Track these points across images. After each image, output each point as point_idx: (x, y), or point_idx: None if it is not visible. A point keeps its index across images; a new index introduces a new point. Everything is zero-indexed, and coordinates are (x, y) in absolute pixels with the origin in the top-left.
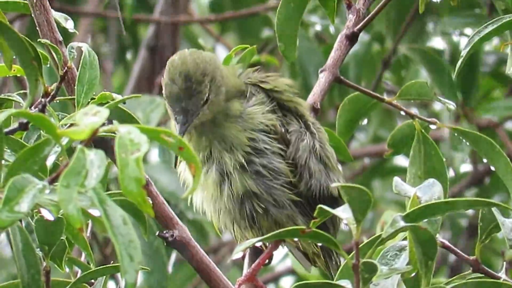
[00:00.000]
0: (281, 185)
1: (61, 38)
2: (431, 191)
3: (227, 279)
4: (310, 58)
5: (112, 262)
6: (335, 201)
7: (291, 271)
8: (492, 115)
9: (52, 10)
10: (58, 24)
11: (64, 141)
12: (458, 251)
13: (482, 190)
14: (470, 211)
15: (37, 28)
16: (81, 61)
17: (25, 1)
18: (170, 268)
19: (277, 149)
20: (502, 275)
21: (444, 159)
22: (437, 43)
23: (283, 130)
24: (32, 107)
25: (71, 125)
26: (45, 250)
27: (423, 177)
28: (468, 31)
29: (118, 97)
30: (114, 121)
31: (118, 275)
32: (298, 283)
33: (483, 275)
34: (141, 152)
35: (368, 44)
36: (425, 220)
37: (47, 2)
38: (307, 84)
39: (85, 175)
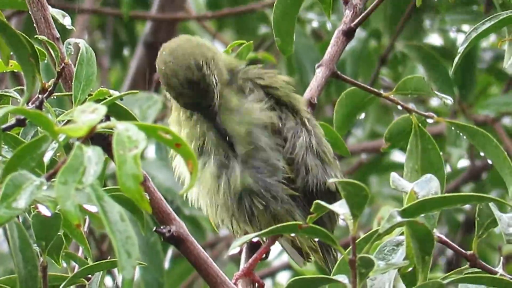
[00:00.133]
0: (279, 181)
1: (58, 35)
2: (428, 186)
3: (224, 274)
4: (307, 55)
5: (109, 257)
6: (333, 196)
7: (287, 266)
8: (489, 111)
9: (49, 7)
10: (55, 20)
11: (61, 137)
12: (455, 246)
13: (479, 185)
14: (467, 206)
15: (34, 25)
16: (78, 58)
17: None
18: (166, 264)
19: (275, 145)
20: (499, 270)
21: (441, 154)
22: (434, 39)
23: (280, 125)
24: (29, 104)
25: (68, 121)
26: (42, 245)
27: (420, 171)
28: (465, 27)
29: (115, 94)
30: (112, 118)
31: (115, 270)
32: (294, 278)
33: (480, 270)
34: (139, 149)
35: (365, 40)
36: (422, 215)
37: None
38: (303, 80)
39: (82, 171)
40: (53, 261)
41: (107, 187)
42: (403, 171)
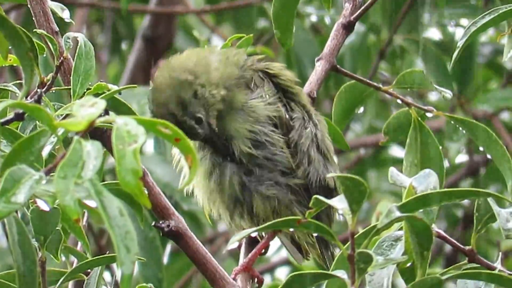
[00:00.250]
0: (279, 174)
1: (57, 29)
2: (426, 181)
3: (223, 269)
4: (306, 49)
5: (107, 252)
6: (330, 193)
7: (286, 262)
8: (488, 106)
9: (48, 1)
10: (54, 14)
11: (60, 131)
12: (454, 241)
13: (478, 180)
14: (465, 201)
15: (33, 19)
16: (76, 52)
17: None
18: (165, 259)
19: (277, 140)
20: (497, 265)
21: (440, 148)
22: (433, 33)
23: (287, 116)
24: (28, 98)
25: (67, 115)
26: (41, 240)
27: (419, 165)
28: (464, 21)
29: (114, 88)
30: (111, 112)
31: (114, 265)
32: (293, 274)
33: (478, 265)
34: (138, 143)
35: (364, 35)
36: (421, 210)
37: None
38: (302, 74)
39: (82, 166)
40: (52, 256)
41: (106, 182)
42: (401, 166)
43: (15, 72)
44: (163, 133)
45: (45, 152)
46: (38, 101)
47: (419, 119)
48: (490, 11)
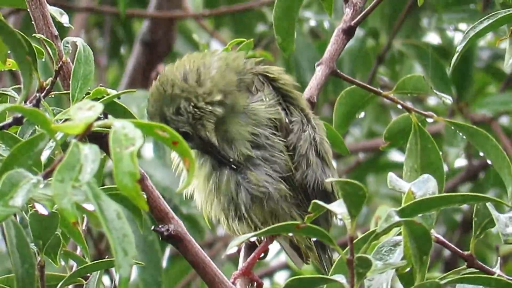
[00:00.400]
0: (277, 176)
1: (56, 33)
2: (425, 186)
3: (222, 273)
4: (305, 53)
5: (106, 257)
6: (328, 197)
7: (285, 266)
8: (487, 110)
9: (47, 5)
10: (53, 19)
11: (59, 135)
12: (453, 246)
13: (477, 185)
14: (464, 206)
15: (33, 22)
16: (76, 56)
17: None
18: (164, 263)
19: (279, 143)
20: (496, 270)
21: (440, 153)
22: (432, 38)
23: (287, 121)
24: (27, 102)
25: (66, 119)
26: (40, 244)
27: (419, 170)
28: (463, 26)
29: (113, 92)
30: (109, 116)
31: (113, 270)
32: (292, 278)
33: (477, 270)
34: (135, 146)
35: (362, 39)
36: (420, 215)
37: None
38: (301, 79)
39: (79, 169)
40: (51, 260)
41: (106, 186)
42: (400, 171)
43: (14, 77)
44: (161, 136)
45: (44, 156)
46: (37, 105)
47: (419, 124)
48: (489, 15)
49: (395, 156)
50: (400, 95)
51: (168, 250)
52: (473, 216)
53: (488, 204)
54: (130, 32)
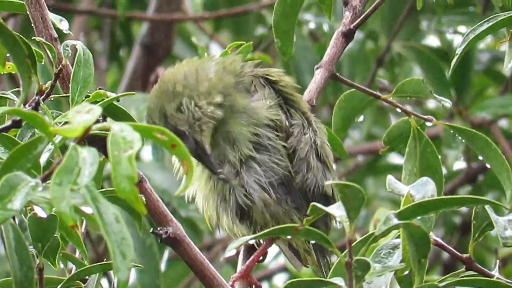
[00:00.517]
0: (278, 181)
1: (56, 35)
2: (424, 189)
3: (221, 276)
4: (304, 56)
5: (105, 260)
6: (328, 201)
7: (284, 269)
8: (486, 113)
9: (47, 8)
10: (52, 22)
11: (57, 139)
12: (452, 249)
13: (476, 187)
14: (463, 209)
15: (32, 25)
16: (75, 59)
17: (20, 1)
18: (163, 266)
19: (280, 146)
20: (495, 273)
21: (439, 157)
22: (431, 41)
23: (287, 124)
24: (26, 105)
25: (65, 123)
26: (38, 247)
27: (418, 174)
28: (462, 29)
29: (112, 95)
30: (108, 118)
31: (111, 272)
32: (291, 281)
33: (476, 273)
34: (133, 150)
35: (362, 42)
36: (419, 218)
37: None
38: (300, 82)
39: (77, 172)
40: (50, 263)
41: (105, 189)
42: (399, 173)
43: (13, 80)
44: (159, 139)
45: (42, 159)
46: (36, 108)
47: (419, 128)
48: (488, 18)
49: (394, 159)
50: (400, 98)
51: (166, 253)
52: (472, 218)
53: (487, 207)
54: (130, 35)
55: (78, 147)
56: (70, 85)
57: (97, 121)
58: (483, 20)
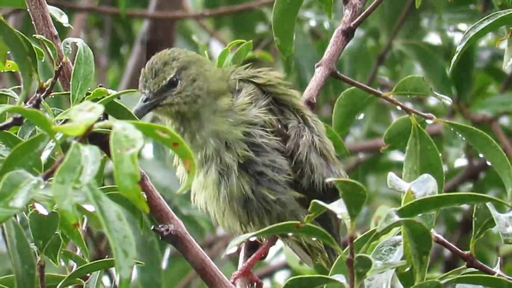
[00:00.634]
0: (283, 182)
1: (56, 33)
2: (425, 186)
3: (222, 273)
4: (305, 54)
5: (106, 257)
6: (338, 193)
7: (285, 266)
8: (487, 110)
9: (47, 5)
10: (53, 19)
11: (59, 136)
12: (453, 246)
13: (477, 185)
14: (465, 206)
15: (33, 23)
16: (76, 57)
17: None
18: (164, 264)
19: (276, 144)
20: (496, 270)
21: (440, 154)
22: (432, 38)
23: (280, 126)
24: (27, 102)
25: (66, 120)
26: (40, 245)
27: (419, 172)
28: (463, 26)
29: (113, 93)
30: (110, 116)
31: (112, 270)
32: (292, 278)
33: (477, 270)
34: (136, 148)
35: (363, 39)
36: (420, 215)
37: None
38: (301, 79)
39: (80, 171)
40: (51, 260)
41: (105, 186)
42: (401, 171)
43: (14, 78)
44: (161, 137)
45: (44, 157)
46: (37, 105)
47: (419, 126)
48: (488, 16)
49: (396, 156)
50: (401, 96)
51: (168, 251)
52: (473, 216)
53: (488, 204)
54: (130, 32)
55: (80, 145)
56: (70, 83)
57: (98, 119)
58: (483, 18)
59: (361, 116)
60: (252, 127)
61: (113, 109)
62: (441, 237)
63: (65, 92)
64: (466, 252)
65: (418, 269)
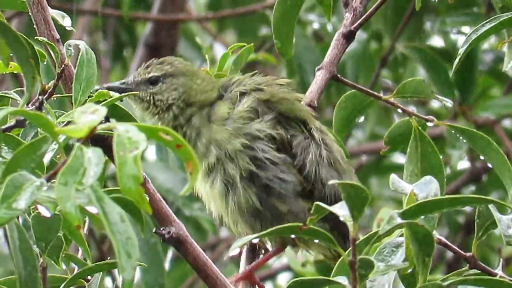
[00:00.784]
0: (293, 193)
1: (58, 36)
2: (428, 188)
3: (224, 275)
4: (308, 56)
5: (109, 258)
6: None
7: (287, 268)
8: (490, 113)
9: (49, 8)
10: (55, 22)
11: (62, 138)
12: (455, 247)
13: (480, 187)
14: (467, 208)
15: (35, 26)
16: (78, 59)
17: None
18: (167, 265)
19: (281, 159)
20: (498, 271)
21: (441, 157)
22: (435, 41)
23: (285, 142)
24: (30, 105)
25: (69, 122)
26: (42, 246)
27: (420, 174)
28: (466, 29)
29: (115, 95)
30: (112, 119)
31: (115, 271)
32: (294, 280)
33: (480, 271)
34: (139, 150)
35: (366, 42)
36: (422, 217)
37: (44, 1)
38: (304, 82)
39: (83, 173)
40: (53, 262)
41: (108, 188)
42: (403, 173)
43: (17, 80)
44: (164, 139)
45: (46, 159)
46: (39, 108)
47: (420, 128)
48: (491, 19)
49: (398, 158)
50: (403, 99)
51: (170, 252)
52: (475, 218)
53: (491, 206)
54: (134, 35)
55: (83, 148)
56: (72, 85)
57: (101, 122)
58: (485, 21)
59: (362, 118)
60: (254, 141)
61: (115, 113)
62: (443, 239)
63: (67, 95)
64: (468, 254)
65: (421, 271)
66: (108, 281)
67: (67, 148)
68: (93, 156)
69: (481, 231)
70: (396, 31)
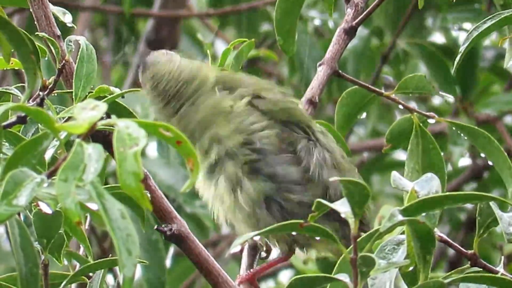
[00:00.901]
0: (301, 180)
1: (59, 32)
2: (429, 185)
3: (226, 273)
4: (309, 53)
5: (110, 255)
6: None
7: (289, 265)
8: (491, 109)
9: (50, 4)
10: (56, 18)
11: (63, 135)
12: (456, 245)
13: (481, 184)
14: (469, 206)
15: (35, 23)
16: (78, 55)
17: None
18: (168, 262)
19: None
20: (500, 269)
21: (442, 153)
22: (436, 37)
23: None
24: (30, 101)
25: (69, 118)
26: (43, 243)
27: (421, 171)
28: (467, 26)
29: (116, 91)
30: (112, 116)
31: (116, 268)
32: (296, 277)
33: (481, 269)
34: (139, 146)
35: (367, 38)
36: (423, 214)
37: None
38: (305, 78)
39: (83, 169)
40: (54, 259)
41: (108, 185)
42: (404, 170)
43: (18, 76)
44: (164, 135)
45: (47, 155)
46: (40, 104)
47: (421, 125)
48: (492, 15)
49: (400, 155)
50: (405, 95)
51: (172, 249)
52: (477, 215)
53: (492, 203)
54: (135, 31)
55: (84, 144)
56: (73, 81)
57: (101, 118)
58: (487, 18)
59: (364, 115)
60: (257, 136)
61: (116, 109)
62: (444, 237)
63: (68, 91)
64: (469, 252)
65: (422, 268)
66: (109, 278)
67: (68, 145)
68: (93, 152)
69: (482, 229)
70: (398, 28)
